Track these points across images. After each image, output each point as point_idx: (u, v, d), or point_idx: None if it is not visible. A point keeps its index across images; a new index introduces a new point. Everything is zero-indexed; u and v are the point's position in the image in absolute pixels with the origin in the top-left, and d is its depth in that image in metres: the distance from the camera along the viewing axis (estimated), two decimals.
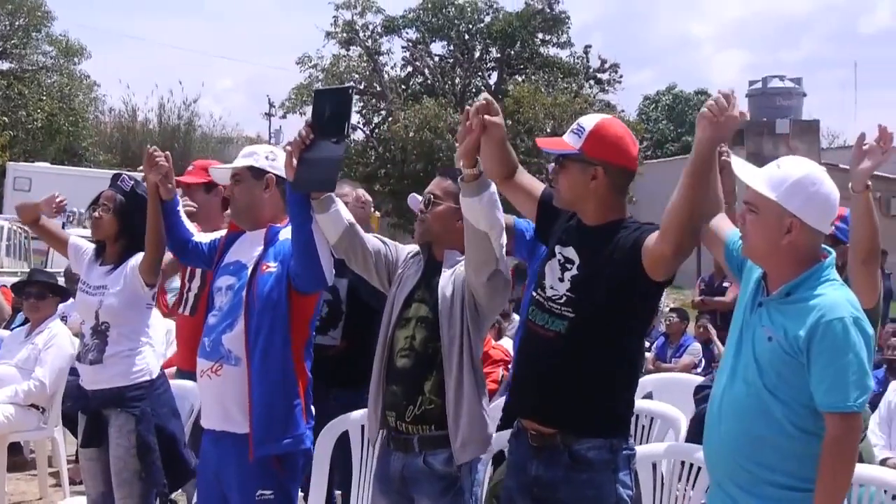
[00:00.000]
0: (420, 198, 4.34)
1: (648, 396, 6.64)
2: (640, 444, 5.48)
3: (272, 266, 4.33)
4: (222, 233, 4.81)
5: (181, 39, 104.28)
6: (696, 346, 10.96)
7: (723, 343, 10.74)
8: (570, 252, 3.75)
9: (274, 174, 4.47)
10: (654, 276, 3.52)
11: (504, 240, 3.89)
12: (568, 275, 3.72)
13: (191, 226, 4.97)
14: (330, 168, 4.12)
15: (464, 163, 3.75)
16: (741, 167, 3.45)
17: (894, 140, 4.06)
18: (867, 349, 3.23)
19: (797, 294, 3.29)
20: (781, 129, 32.80)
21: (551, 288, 3.75)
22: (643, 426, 5.45)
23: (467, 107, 3.75)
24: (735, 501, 3.40)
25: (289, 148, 4.16)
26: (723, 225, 3.64)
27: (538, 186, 4.04)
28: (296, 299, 4.30)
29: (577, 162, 3.70)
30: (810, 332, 3.19)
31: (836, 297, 3.26)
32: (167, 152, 4.82)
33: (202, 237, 4.90)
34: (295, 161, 4.08)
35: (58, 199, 5.55)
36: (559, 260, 3.77)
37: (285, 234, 4.38)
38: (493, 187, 3.79)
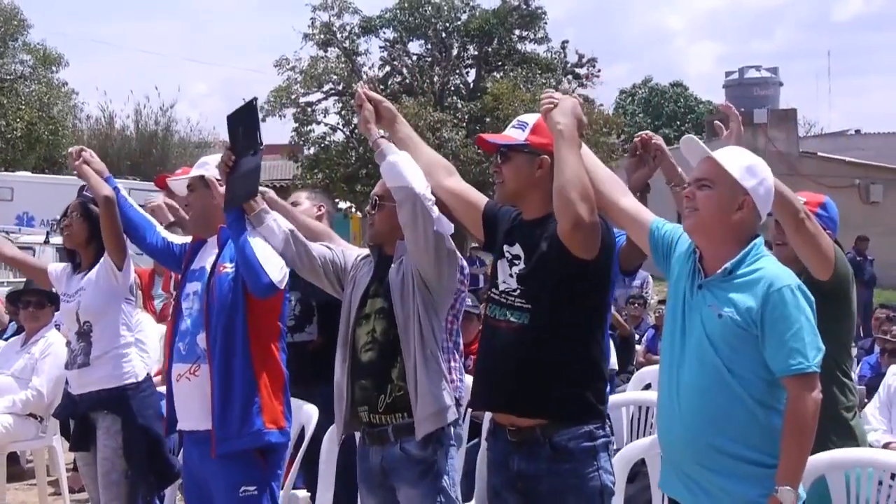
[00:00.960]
0: None
1: (647, 387, 6.71)
2: (642, 434, 5.55)
3: (228, 267, 4.48)
4: (188, 239, 4.94)
5: (156, 44, 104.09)
6: None
7: None
8: (517, 249, 3.92)
9: None
10: (578, 253, 3.70)
11: (432, 197, 4.08)
12: (516, 269, 3.88)
13: (147, 214, 5.31)
14: (252, 178, 4.32)
15: (366, 136, 4.28)
16: (700, 146, 3.65)
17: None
18: (813, 314, 3.41)
19: (738, 270, 3.46)
20: (759, 118, 32.90)
21: (504, 283, 3.91)
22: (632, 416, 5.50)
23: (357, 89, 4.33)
24: (698, 484, 3.49)
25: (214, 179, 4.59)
26: (638, 209, 3.86)
27: (481, 199, 4.23)
28: (254, 299, 4.44)
29: (523, 153, 3.92)
30: (762, 302, 3.37)
31: (777, 268, 3.47)
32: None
33: (173, 238, 5.06)
34: (223, 187, 4.43)
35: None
36: (507, 258, 3.93)
37: None
38: (405, 153, 4.17)
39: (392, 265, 4.26)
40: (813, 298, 3.46)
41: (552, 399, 3.75)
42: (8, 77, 37.10)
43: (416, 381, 4.09)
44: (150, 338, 7.46)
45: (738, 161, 3.55)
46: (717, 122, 4.51)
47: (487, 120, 32.92)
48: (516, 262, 3.89)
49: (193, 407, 4.51)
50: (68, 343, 5.52)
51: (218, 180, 4.57)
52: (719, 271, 3.47)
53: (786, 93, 39.55)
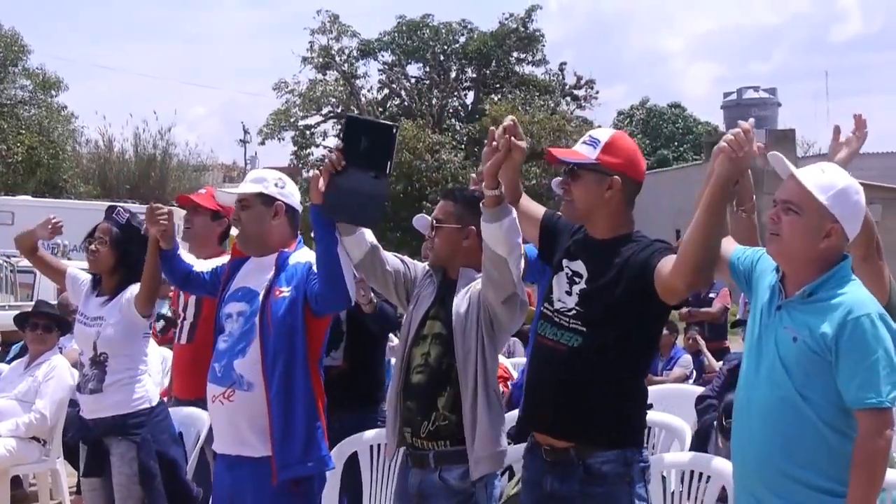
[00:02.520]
0: (428, 218, 4.37)
1: (649, 408, 6.71)
2: (649, 453, 5.55)
3: (285, 291, 4.30)
4: (223, 260, 4.82)
5: (154, 67, 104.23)
6: (687, 358, 11.00)
7: (712, 354, 10.90)
8: (579, 265, 3.76)
9: (283, 202, 4.45)
10: (666, 300, 3.55)
11: (522, 264, 3.88)
12: (576, 288, 3.73)
13: (189, 258, 4.98)
14: (367, 203, 4.06)
15: (486, 184, 3.69)
16: (786, 164, 3.41)
17: (866, 124, 4.16)
18: (894, 345, 3.21)
19: (819, 293, 3.28)
20: (758, 139, 32.58)
21: (559, 301, 3.76)
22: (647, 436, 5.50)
23: (492, 128, 3.73)
24: None
25: (316, 172, 4.12)
26: (726, 247, 3.62)
27: (539, 210, 4.07)
28: (311, 321, 4.29)
29: (593, 172, 3.70)
30: (838, 329, 3.18)
31: (860, 294, 3.27)
32: (169, 209, 4.82)
33: (202, 266, 4.89)
34: (323, 185, 4.02)
35: (53, 221, 5.58)
36: (567, 273, 3.78)
37: (296, 258, 4.38)
38: (514, 213, 3.75)
39: (456, 293, 4.12)
40: None
41: (589, 423, 3.67)
42: (8, 102, 37.25)
43: (476, 419, 3.98)
44: (152, 361, 7.44)
45: (829, 185, 3.29)
46: (836, 124, 4.19)
47: (486, 142, 32.97)
48: (577, 279, 3.74)
49: (225, 431, 4.39)
50: (81, 366, 5.45)
51: (278, 199, 4.42)
52: (798, 293, 3.31)
53: (783, 113, 39.80)
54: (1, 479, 7.37)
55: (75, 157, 40.45)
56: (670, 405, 6.24)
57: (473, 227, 4.01)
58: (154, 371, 7.40)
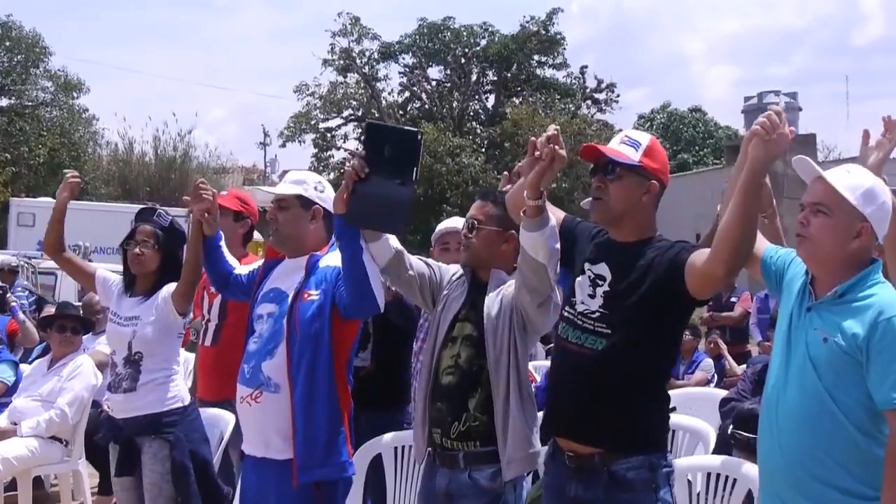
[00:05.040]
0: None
1: (672, 411, 6.69)
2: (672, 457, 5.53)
3: (314, 294, 4.31)
4: (259, 263, 4.82)
5: (174, 69, 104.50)
6: (709, 362, 10.97)
7: (733, 358, 10.88)
8: (602, 268, 3.74)
9: (322, 206, 4.45)
10: (699, 294, 3.53)
11: (557, 268, 3.84)
12: (600, 290, 3.71)
13: (232, 259, 4.95)
14: (392, 209, 4.01)
15: (529, 194, 3.61)
16: (813, 167, 3.41)
17: None
18: None
19: (850, 295, 3.28)
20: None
21: (582, 304, 3.74)
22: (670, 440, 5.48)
23: (532, 138, 3.65)
24: None
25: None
26: (758, 243, 3.62)
27: (559, 214, 4.04)
28: (338, 326, 4.28)
29: (635, 174, 3.70)
30: (870, 329, 3.18)
31: (890, 295, 3.26)
32: (214, 190, 4.79)
33: (241, 269, 4.90)
34: (347, 193, 3.97)
35: (69, 177, 5.49)
36: (589, 276, 3.76)
37: (326, 261, 4.38)
38: (554, 220, 3.72)
39: (488, 294, 4.11)
40: None
41: (613, 428, 3.65)
42: (30, 103, 37.47)
43: (509, 419, 3.96)
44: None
45: (857, 184, 3.31)
46: (866, 129, 4.15)
47: (507, 145, 33.03)
48: (600, 282, 3.72)
49: (252, 432, 4.41)
50: (113, 365, 5.45)
51: (316, 202, 4.41)
52: (829, 294, 3.30)
53: (804, 117, 39.53)
54: (23, 479, 7.39)
55: (96, 160, 40.66)
56: (693, 408, 6.22)
57: (514, 233, 3.98)
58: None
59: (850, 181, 3.32)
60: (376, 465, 5.13)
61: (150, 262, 5.30)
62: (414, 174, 3.99)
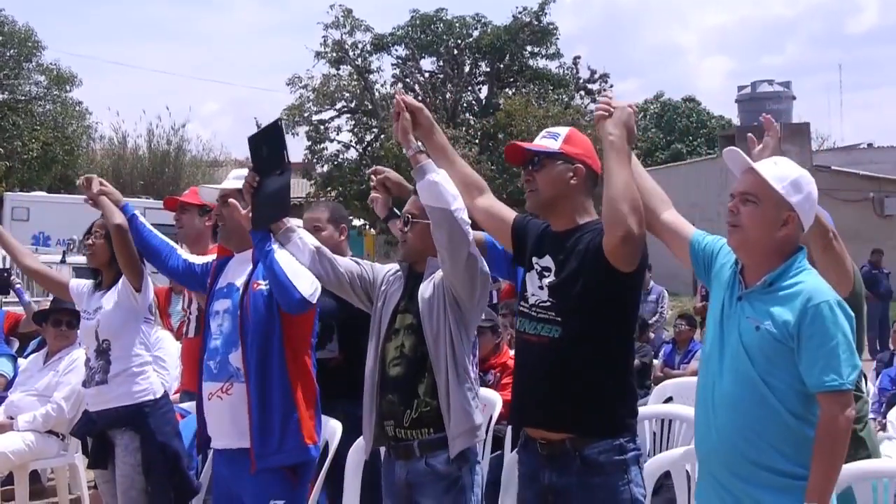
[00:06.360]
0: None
1: (668, 401, 6.71)
2: (667, 447, 5.54)
3: (262, 284, 4.45)
4: (213, 257, 4.92)
5: (167, 63, 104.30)
6: None
7: None
8: (547, 261, 3.89)
9: None
10: (621, 267, 3.67)
11: (468, 219, 4.04)
12: (546, 281, 3.86)
13: (166, 238, 5.27)
14: (280, 197, 4.33)
15: (404, 146, 4.09)
16: (745, 158, 3.59)
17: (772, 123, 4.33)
18: (851, 330, 3.38)
19: (779, 283, 3.44)
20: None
21: (533, 296, 3.89)
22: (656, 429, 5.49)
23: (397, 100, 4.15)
24: (733, 494, 3.48)
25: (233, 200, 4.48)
26: (680, 221, 3.83)
27: (510, 213, 4.20)
28: (289, 316, 4.42)
29: (558, 161, 3.89)
30: (800, 316, 3.34)
31: (817, 282, 3.44)
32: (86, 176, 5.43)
33: (194, 259, 5.06)
34: (249, 207, 4.36)
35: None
36: (537, 270, 3.91)
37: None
38: (444, 171, 4.04)
39: (422, 282, 4.23)
40: (853, 315, 3.42)
41: (582, 413, 3.75)
42: (23, 98, 37.38)
43: (449, 398, 4.08)
44: (169, 355, 7.48)
45: (784, 175, 3.49)
46: (749, 134, 4.39)
47: (500, 136, 33.05)
48: (546, 273, 3.86)
49: (226, 425, 4.48)
50: (87, 361, 5.54)
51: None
52: (759, 283, 3.46)
53: (797, 106, 39.52)
54: (20, 473, 7.42)
55: (90, 154, 40.60)
56: (690, 398, 6.21)
57: None
58: (172, 365, 7.46)
59: (778, 172, 3.51)
60: (372, 459, 5.13)
61: (101, 252, 5.49)
62: (286, 158, 4.33)
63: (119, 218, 5.18)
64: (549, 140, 3.94)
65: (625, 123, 3.75)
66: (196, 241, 5.96)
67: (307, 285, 4.29)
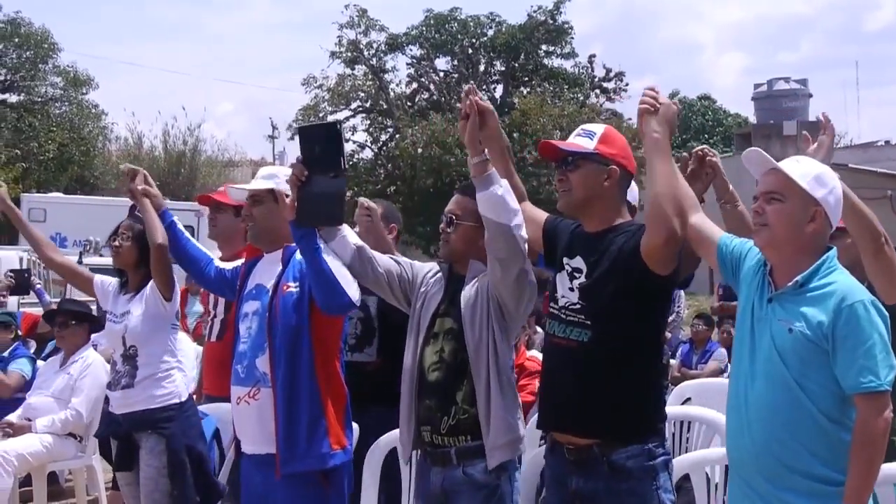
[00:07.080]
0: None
1: (687, 402, 6.66)
2: (687, 449, 5.51)
3: (292, 286, 4.38)
4: (240, 262, 4.86)
5: (183, 64, 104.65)
6: (722, 352, 10.98)
7: None
8: (578, 262, 3.83)
9: None
10: (658, 269, 3.61)
11: (525, 234, 3.91)
12: (576, 283, 3.80)
13: (202, 247, 5.12)
14: (333, 203, 4.20)
15: (471, 153, 3.84)
16: (767, 158, 3.54)
17: (829, 120, 4.26)
18: (887, 330, 3.31)
19: (810, 283, 3.38)
20: (789, 131, 32.62)
21: (563, 297, 3.83)
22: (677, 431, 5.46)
23: (458, 105, 3.92)
24: (765, 499, 3.42)
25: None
26: (707, 224, 3.74)
27: (542, 214, 4.14)
28: (318, 318, 4.33)
29: (592, 161, 3.81)
30: (834, 317, 3.28)
31: (850, 282, 3.38)
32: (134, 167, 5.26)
33: (225, 264, 4.97)
34: (294, 198, 4.16)
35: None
36: (567, 271, 3.85)
37: (300, 253, 4.41)
38: (506, 182, 3.87)
39: (465, 286, 4.11)
40: (887, 314, 3.37)
41: (610, 418, 3.69)
42: (39, 99, 37.53)
43: (490, 407, 3.96)
44: (187, 356, 7.47)
45: (807, 171, 3.45)
46: (805, 132, 4.32)
47: (515, 135, 32.94)
48: (577, 274, 3.80)
49: (254, 430, 4.43)
50: (113, 364, 5.52)
51: (287, 195, 4.38)
52: (790, 284, 3.40)
53: (814, 104, 39.27)
54: (38, 474, 7.45)
55: (105, 155, 40.73)
56: (709, 399, 6.17)
57: None
58: (188, 367, 7.45)
59: (801, 169, 3.47)
60: (390, 461, 5.12)
61: (128, 254, 5.43)
62: (342, 164, 4.19)
63: (161, 237, 5.07)
64: (585, 139, 3.85)
65: (669, 121, 3.68)
66: (230, 240, 5.85)
67: (353, 288, 4.19)
